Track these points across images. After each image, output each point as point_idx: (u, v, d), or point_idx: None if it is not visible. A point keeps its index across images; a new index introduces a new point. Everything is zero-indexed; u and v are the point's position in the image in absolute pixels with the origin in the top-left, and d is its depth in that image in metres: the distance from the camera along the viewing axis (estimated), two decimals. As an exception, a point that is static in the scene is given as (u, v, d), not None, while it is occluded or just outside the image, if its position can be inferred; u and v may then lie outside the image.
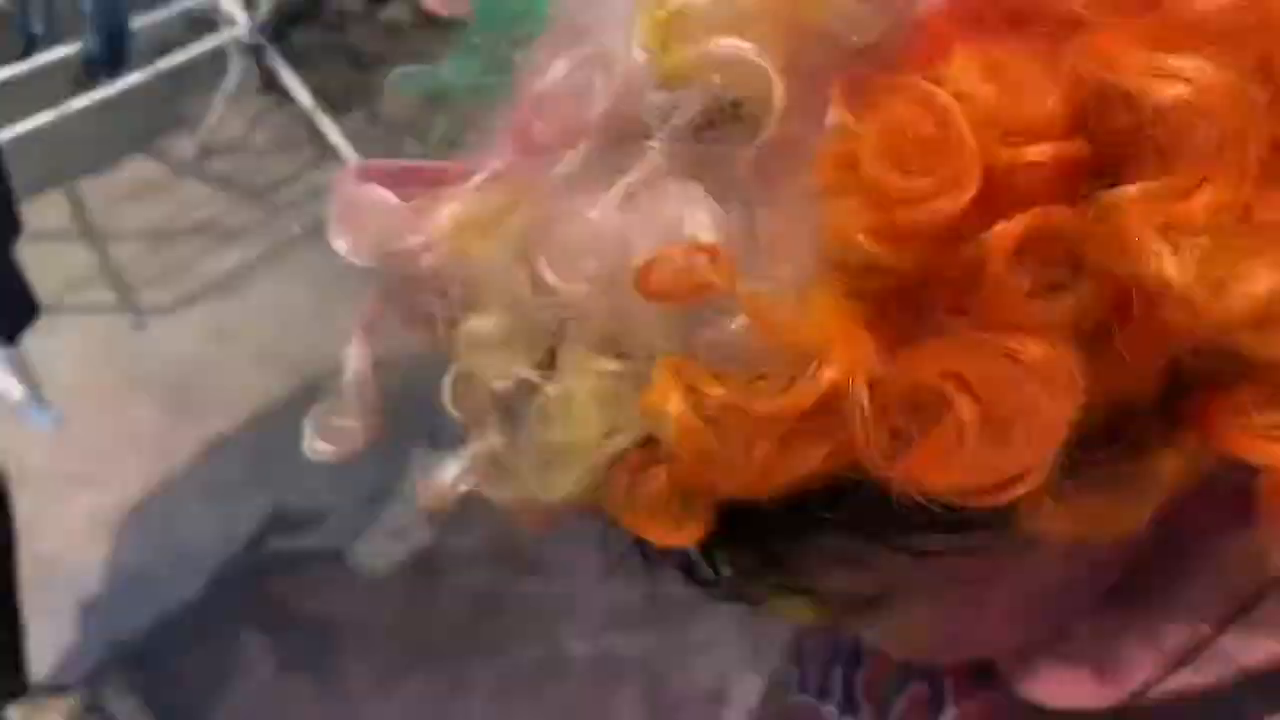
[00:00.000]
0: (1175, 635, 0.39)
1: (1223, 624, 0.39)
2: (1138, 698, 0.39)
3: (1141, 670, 0.39)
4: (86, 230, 2.85)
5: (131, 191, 3.01)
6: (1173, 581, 0.40)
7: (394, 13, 3.85)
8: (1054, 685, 0.42)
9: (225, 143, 3.23)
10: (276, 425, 2.26)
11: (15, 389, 2.26)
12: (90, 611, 1.89)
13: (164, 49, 3.05)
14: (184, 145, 3.21)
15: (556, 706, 1.76)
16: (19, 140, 2.52)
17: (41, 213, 2.91)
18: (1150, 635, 0.40)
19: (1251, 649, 0.38)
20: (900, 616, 0.41)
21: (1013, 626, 0.43)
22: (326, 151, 3.17)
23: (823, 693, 0.55)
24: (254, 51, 2.85)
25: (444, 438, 0.41)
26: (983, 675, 0.46)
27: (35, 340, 2.45)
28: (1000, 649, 0.44)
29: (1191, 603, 0.39)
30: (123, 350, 2.47)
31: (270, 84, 3.43)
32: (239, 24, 2.80)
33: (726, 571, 0.38)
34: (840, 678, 0.54)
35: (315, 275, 2.70)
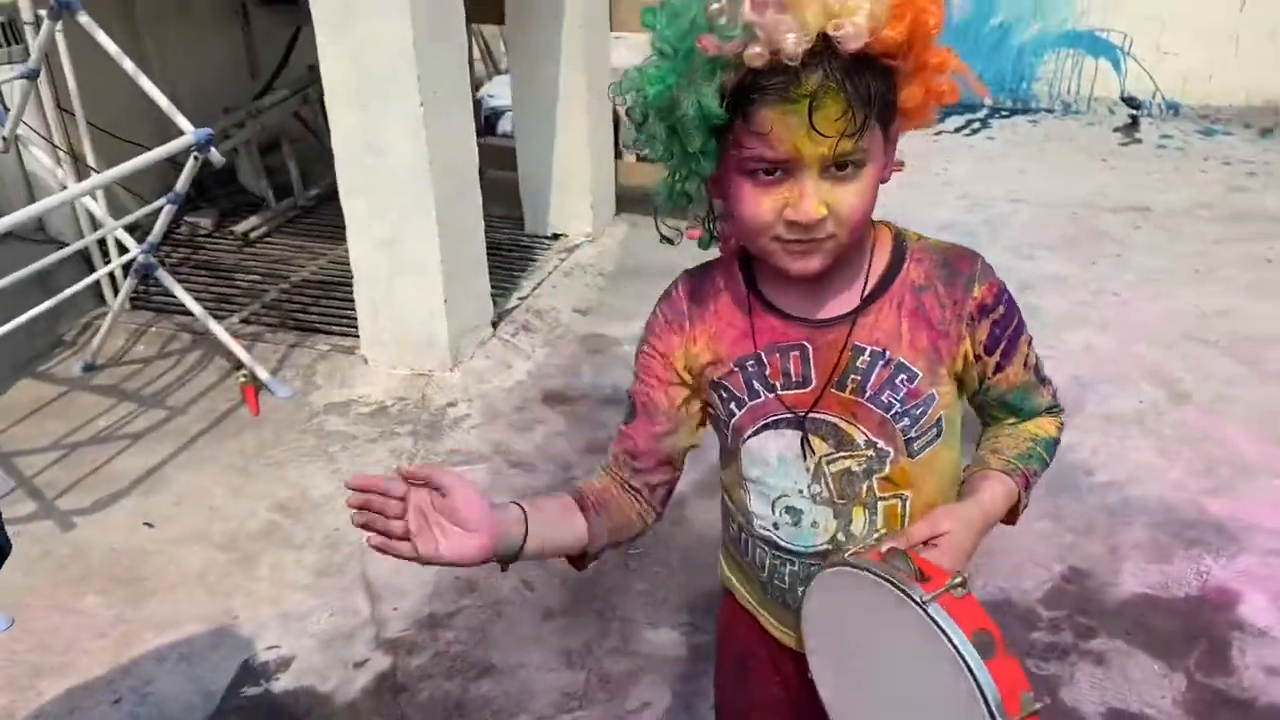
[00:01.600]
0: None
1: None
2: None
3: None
4: (-8, 452, 3.01)
5: (28, 413, 3.19)
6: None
7: (245, 226, 4.21)
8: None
9: (109, 358, 3.46)
10: (224, 591, 2.50)
11: (-37, 600, 2.41)
12: (88, 779, 2.05)
13: (42, 281, 3.29)
14: (69, 365, 3.42)
15: (531, 779, 2.06)
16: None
17: (-61, 443, 3.06)
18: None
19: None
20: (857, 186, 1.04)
21: (867, 205, 1.06)
22: (207, 354, 3.47)
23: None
24: (144, 271, 3.13)
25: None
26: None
27: (-32, 555, 2.61)
28: (860, 224, 1.07)
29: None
30: (58, 553, 2.63)
31: (137, 301, 3.70)
32: (133, 249, 3.09)
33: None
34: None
35: (222, 463, 2.96)
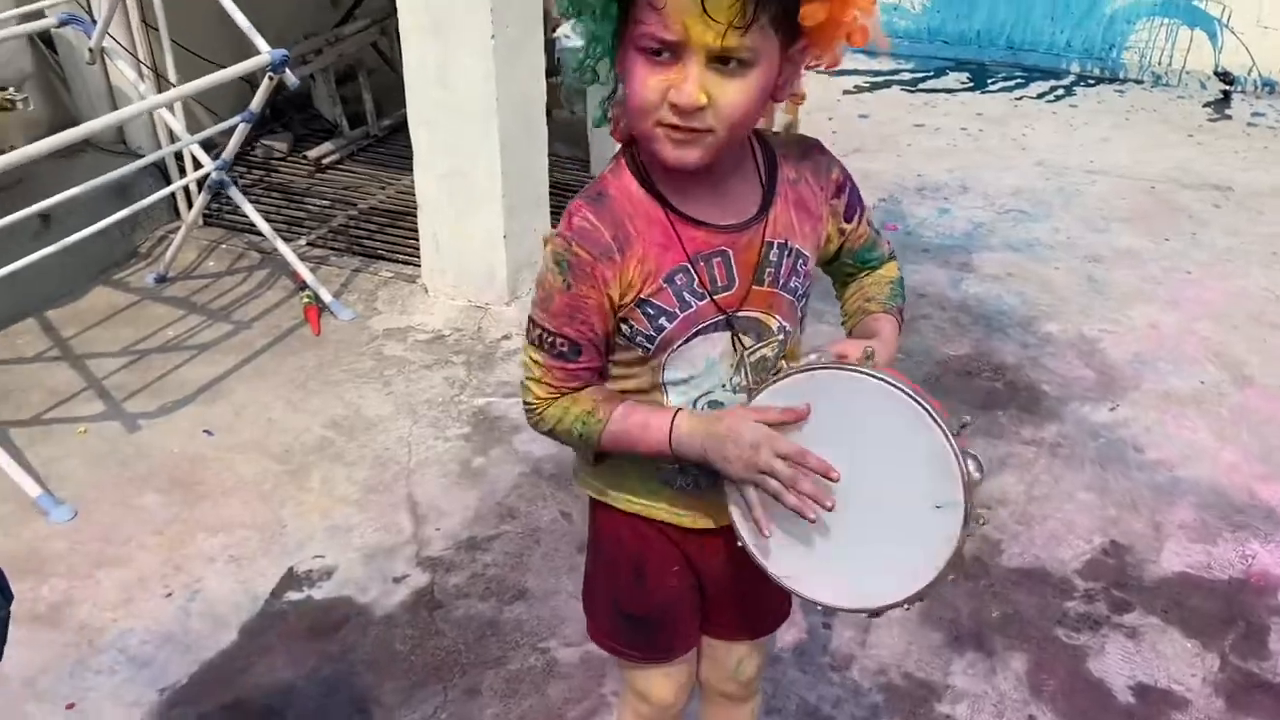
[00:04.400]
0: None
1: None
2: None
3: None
4: (65, 353, 3.13)
5: (103, 318, 3.31)
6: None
7: (318, 152, 4.28)
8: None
9: (180, 271, 3.57)
10: (276, 500, 2.59)
11: (31, 487, 2.53)
12: (139, 669, 2.16)
13: (121, 193, 3.40)
14: (142, 275, 3.53)
15: (558, 700, 2.12)
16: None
17: (15, 341, 3.19)
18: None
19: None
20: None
21: (749, 106, 1.10)
22: (274, 273, 3.55)
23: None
24: (217, 188, 3.21)
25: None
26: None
27: (38, 449, 2.74)
28: (740, 124, 1.11)
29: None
30: (122, 452, 2.75)
31: (210, 218, 3.79)
32: (207, 165, 3.17)
33: None
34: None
35: (283, 378, 3.05)
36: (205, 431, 2.83)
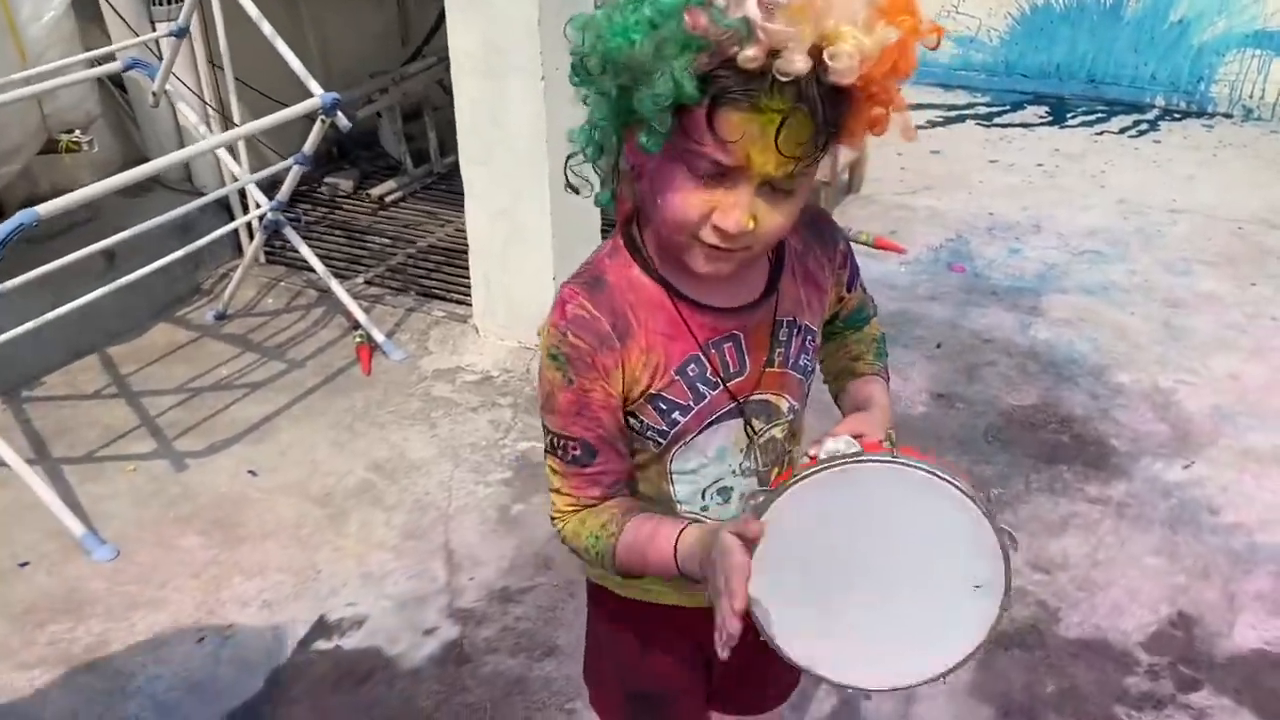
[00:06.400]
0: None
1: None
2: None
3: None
4: (122, 390, 3.18)
5: (161, 355, 3.36)
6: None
7: (381, 190, 4.32)
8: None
9: (239, 308, 3.61)
10: (313, 544, 2.58)
11: (76, 526, 2.55)
12: (164, 717, 2.15)
13: (184, 231, 3.45)
14: (203, 312, 3.59)
15: (581, 765, 2.05)
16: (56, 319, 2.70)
17: (77, 378, 3.26)
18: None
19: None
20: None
21: (790, 225, 1.05)
22: (330, 312, 3.57)
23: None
24: (272, 227, 3.24)
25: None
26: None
27: (88, 486, 2.77)
28: (777, 240, 1.08)
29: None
30: (168, 491, 2.77)
31: (273, 256, 3.84)
32: (263, 205, 3.21)
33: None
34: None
35: (330, 419, 3.05)
36: (250, 472, 2.84)
